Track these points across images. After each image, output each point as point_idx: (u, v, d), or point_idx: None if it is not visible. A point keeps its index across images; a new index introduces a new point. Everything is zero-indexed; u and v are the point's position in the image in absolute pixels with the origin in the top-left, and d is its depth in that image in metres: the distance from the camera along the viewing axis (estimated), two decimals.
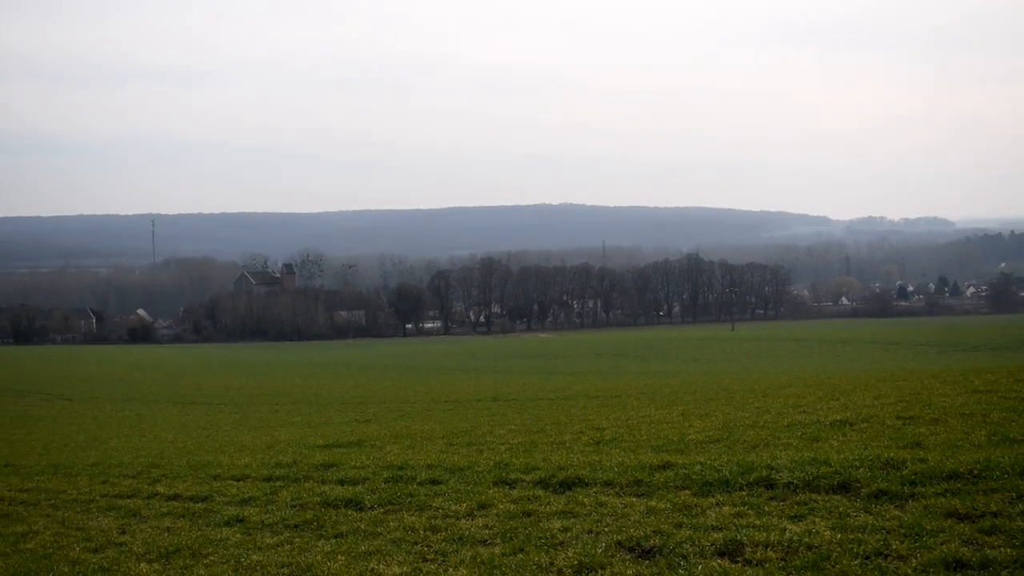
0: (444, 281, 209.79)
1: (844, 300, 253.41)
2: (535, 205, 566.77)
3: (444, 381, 69.99)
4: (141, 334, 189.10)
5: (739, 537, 9.52)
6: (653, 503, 11.34)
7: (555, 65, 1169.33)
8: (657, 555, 9.38)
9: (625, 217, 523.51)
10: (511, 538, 10.56)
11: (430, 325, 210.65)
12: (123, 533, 13.26)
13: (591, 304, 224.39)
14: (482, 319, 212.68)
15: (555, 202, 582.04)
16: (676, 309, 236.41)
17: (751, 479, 11.79)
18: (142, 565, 11.13)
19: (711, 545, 9.44)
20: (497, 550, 10.19)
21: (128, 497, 16.41)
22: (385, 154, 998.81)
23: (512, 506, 12.00)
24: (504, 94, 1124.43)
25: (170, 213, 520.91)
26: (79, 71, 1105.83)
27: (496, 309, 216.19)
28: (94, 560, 11.63)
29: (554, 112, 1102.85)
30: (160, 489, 16.71)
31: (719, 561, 9.00)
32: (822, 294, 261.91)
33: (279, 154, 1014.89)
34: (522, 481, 13.43)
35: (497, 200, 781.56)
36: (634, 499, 11.69)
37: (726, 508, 10.76)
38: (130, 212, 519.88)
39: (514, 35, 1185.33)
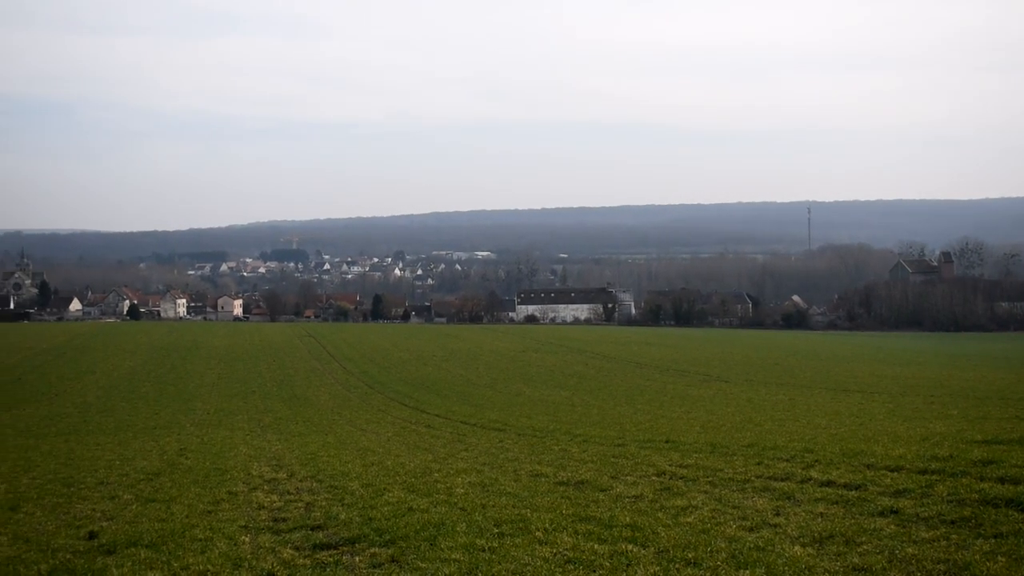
0: None
1: None
2: None
3: None
4: (795, 320, 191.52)
5: None
6: None
7: None
8: None
9: None
10: None
11: None
12: (777, 515, 13.45)
13: None
14: None
15: None
16: None
17: None
18: (796, 548, 11.24)
19: None
20: None
21: (782, 480, 16.64)
22: None
23: None
24: None
25: (826, 200, 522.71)
26: (738, 62, 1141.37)
27: None
28: (750, 539, 11.92)
29: None
30: (814, 474, 16.76)
31: None
32: None
33: (930, 140, 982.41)
34: None
35: None
36: None
37: None
38: (787, 200, 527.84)
39: None
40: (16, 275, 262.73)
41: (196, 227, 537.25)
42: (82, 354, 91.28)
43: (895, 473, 16.12)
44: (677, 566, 10.76)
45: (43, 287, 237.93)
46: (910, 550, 10.75)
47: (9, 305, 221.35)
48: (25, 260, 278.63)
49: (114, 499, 18.18)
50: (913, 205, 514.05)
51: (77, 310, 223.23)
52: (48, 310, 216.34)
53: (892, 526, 12.09)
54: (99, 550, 12.99)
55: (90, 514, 16.41)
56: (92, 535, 14.10)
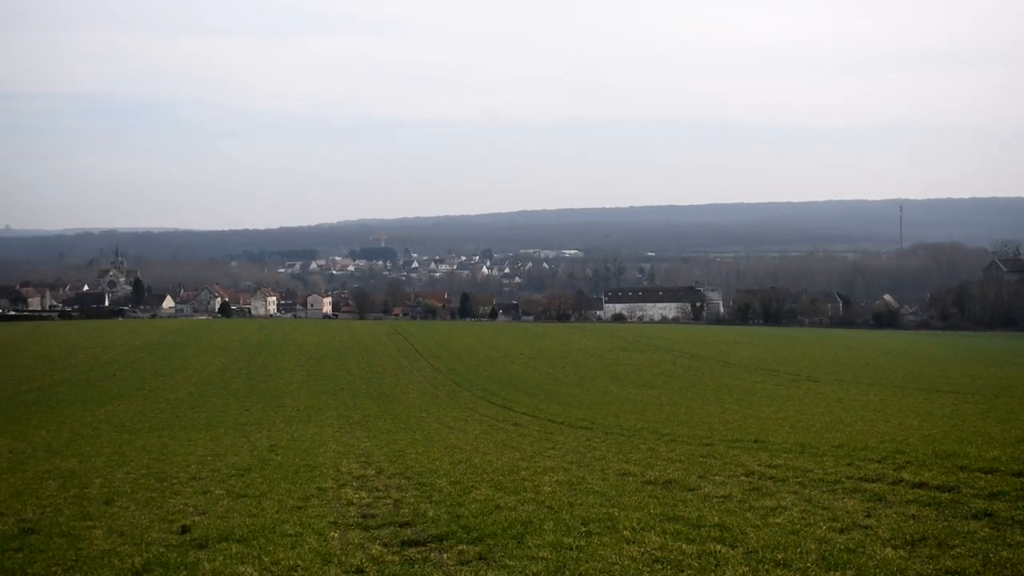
0: None
1: None
2: None
3: None
4: (886, 319, 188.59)
5: None
6: None
7: None
8: None
9: None
10: None
11: None
12: (868, 516, 13.27)
13: None
14: None
15: None
16: None
17: None
18: (887, 550, 11.09)
19: None
20: None
21: (873, 481, 16.41)
22: None
23: None
24: None
25: (918, 198, 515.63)
26: (832, 61, 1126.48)
27: None
28: (840, 540, 11.77)
29: None
30: (905, 476, 16.52)
31: None
32: None
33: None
34: None
35: None
36: None
37: None
38: (878, 198, 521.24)
39: None
40: (111, 273, 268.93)
41: (286, 226, 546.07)
42: (175, 351, 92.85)
43: (989, 475, 15.83)
44: (766, 567, 10.67)
45: (137, 285, 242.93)
46: (1004, 554, 10.56)
47: (104, 302, 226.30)
48: (120, 258, 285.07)
49: (206, 494, 18.47)
50: (1008, 203, 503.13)
51: (170, 307, 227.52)
52: (141, 307, 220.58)
53: (986, 529, 11.89)
54: (191, 544, 13.21)
55: (182, 508, 16.69)
56: (184, 529, 14.35)
